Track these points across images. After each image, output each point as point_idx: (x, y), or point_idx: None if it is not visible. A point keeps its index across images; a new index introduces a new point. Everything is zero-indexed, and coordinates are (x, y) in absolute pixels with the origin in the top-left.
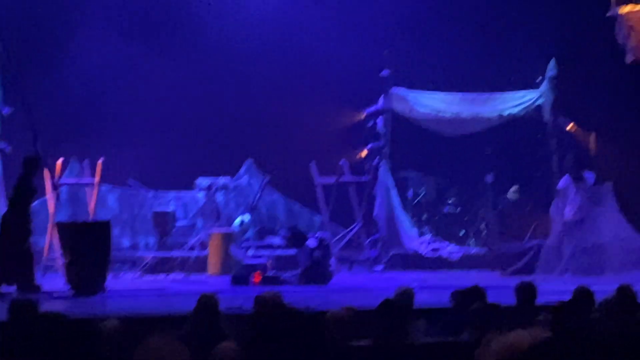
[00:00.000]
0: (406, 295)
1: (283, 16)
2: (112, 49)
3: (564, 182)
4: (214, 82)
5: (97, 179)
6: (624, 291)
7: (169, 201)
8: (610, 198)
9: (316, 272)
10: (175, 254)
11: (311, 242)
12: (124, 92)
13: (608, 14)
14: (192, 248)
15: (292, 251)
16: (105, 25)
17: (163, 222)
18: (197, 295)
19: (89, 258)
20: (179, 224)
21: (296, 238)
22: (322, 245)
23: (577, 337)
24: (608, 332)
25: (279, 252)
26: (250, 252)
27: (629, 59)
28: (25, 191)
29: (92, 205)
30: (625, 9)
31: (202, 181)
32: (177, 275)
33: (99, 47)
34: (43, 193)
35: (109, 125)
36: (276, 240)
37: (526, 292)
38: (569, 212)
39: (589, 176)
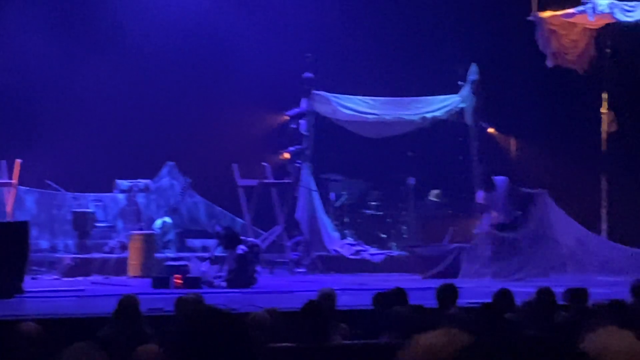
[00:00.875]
0: (329, 298)
1: (205, 19)
2: (30, 49)
3: (480, 195)
4: (135, 84)
5: (14, 180)
6: (544, 293)
7: (89, 203)
8: (542, 202)
9: (242, 276)
10: (95, 255)
11: (241, 249)
12: (43, 94)
13: (529, 19)
14: (112, 250)
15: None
16: (24, 25)
17: (83, 224)
18: (118, 297)
19: (6, 259)
20: (99, 225)
21: (229, 239)
22: (253, 251)
23: (498, 339)
24: (528, 335)
25: (199, 254)
26: (172, 254)
27: (549, 63)
28: None
29: (9, 207)
30: (546, 14)
31: (122, 183)
32: (96, 277)
33: (16, 46)
34: None
35: (28, 127)
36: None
37: (447, 294)
38: (494, 216)
39: (502, 180)
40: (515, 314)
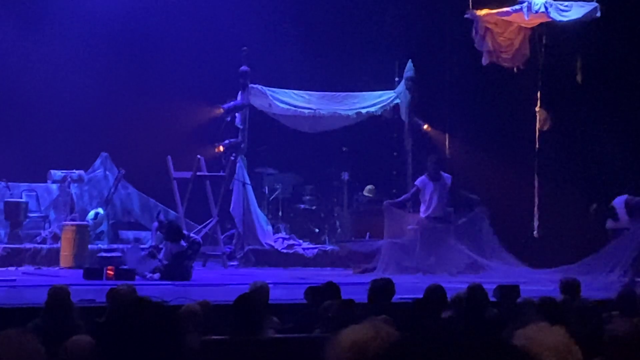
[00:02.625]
0: (261, 291)
1: (142, 10)
2: None
3: (421, 181)
4: (70, 73)
5: None
6: (474, 289)
7: (21, 192)
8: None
9: (177, 269)
10: (27, 246)
11: (182, 245)
12: None
13: (465, 16)
14: (44, 240)
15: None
16: None
17: (15, 213)
18: (49, 288)
19: None
20: (32, 215)
21: (172, 232)
22: (193, 248)
23: (426, 335)
24: (457, 330)
25: (131, 245)
26: (105, 246)
27: (484, 61)
28: None
29: None
30: (482, 12)
31: (56, 173)
32: (28, 268)
33: None
34: None
35: None
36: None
37: (382, 290)
38: (424, 211)
39: (447, 177)
40: (446, 310)
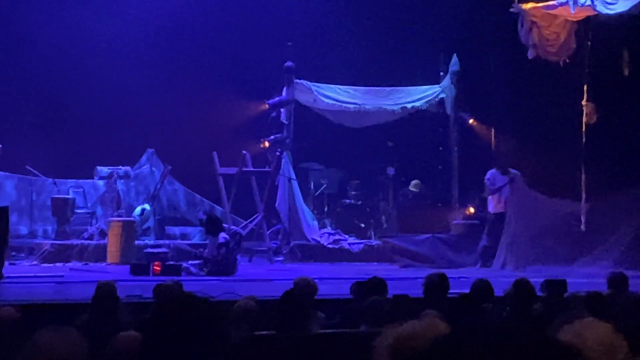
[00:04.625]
0: (307, 287)
1: (188, 7)
2: (8, 32)
3: (491, 174)
4: (115, 70)
5: None
6: (521, 284)
7: (68, 189)
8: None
9: (221, 264)
10: (74, 242)
11: (223, 237)
12: (23, 79)
13: (511, 10)
14: (91, 236)
15: (192, 241)
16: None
17: (62, 210)
18: (96, 284)
19: None
20: (78, 211)
21: (212, 225)
22: (235, 239)
23: (474, 329)
24: (503, 325)
25: (179, 242)
26: (151, 241)
27: (530, 55)
28: None
29: None
30: (528, 6)
31: (103, 170)
32: (75, 264)
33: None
34: None
35: (8, 112)
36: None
37: (437, 284)
38: (493, 206)
39: (515, 173)
40: (492, 305)
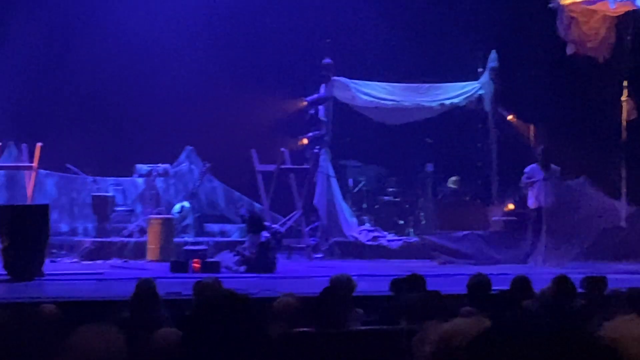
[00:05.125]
0: (346, 284)
1: (225, 4)
2: (50, 31)
3: (531, 169)
4: (156, 68)
5: (35, 163)
6: (560, 281)
7: (108, 186)
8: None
9: (262, 261)
10: (114, 239)
11: (264, 236)
12: (63, 78)
13: (549, 6)
14: (131, 234)
15: (231, 238)
16: (48, 12)
17: (102, 207)
18: (136, 281)
19: (26, 242)
20: (118, 209)
21: (253, 222)
22: (276, 238)
23: (514, 325)
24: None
25: (218, 238)
26: (190, 239)
27: (569, 50)
28: None
29: (30, 190)
30: (567, 1)
31: (142, 167)
32: (115, 261)
33: (39, 31)
34: None
35: (48, 110)
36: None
37: (477, 282)
38: (533, 202)
39: (556, 169)
40: (532, 302)
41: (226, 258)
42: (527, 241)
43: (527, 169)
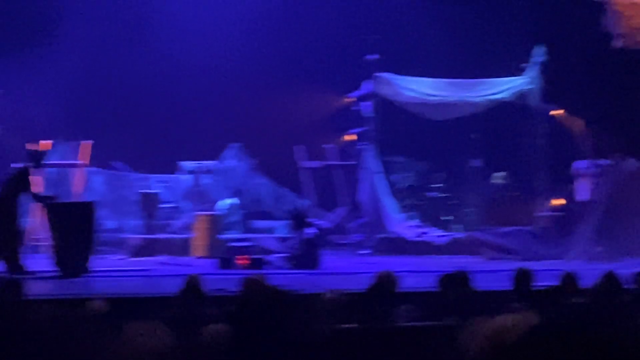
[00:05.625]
0: (391, 280)
1: (268, 1)
2: (98, 33)
3: (580, 164)
4: (200, 65)
5: (83, 160)
6: (609, 277)
7: (155, 184)
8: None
9: (306, 258)
10: (161, 236)
11: (309, 232)
12: (111, 76)
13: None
14: (177, 230)
15: (275, 235)
16: (93, 11)
17: (149, 204)
18: (183, 278)
19: (74, 239)
20: (165, 206)
21: (298, 219)
22: (321, 234)
23: (564, 322)
24: (593, 318)
25: (264, 235)
26: (236, 235)
27: (616, 44)
28: (21, 182)
29: (78, 187)
30: None
31: (188, 164)
32: (162, 258)
33: (86, 31)
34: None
35: (97, 108)
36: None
37: (522, 277)
38: (581, 194)
39: (606, 162)
40: (581, 297)
41: (271, 255)
42: (574, 236)
43: (578, 165)
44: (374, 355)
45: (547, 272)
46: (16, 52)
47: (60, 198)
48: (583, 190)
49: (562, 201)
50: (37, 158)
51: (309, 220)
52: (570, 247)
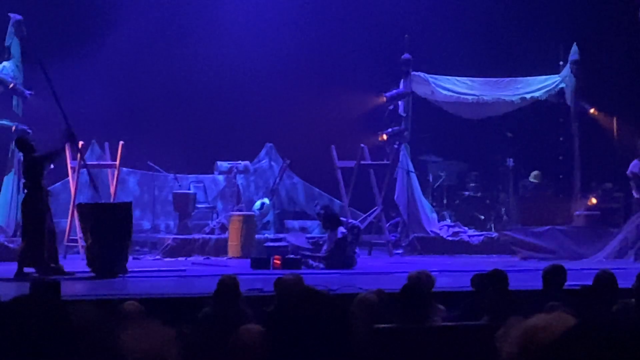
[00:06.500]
0: (427, 279)
1: (304, 2)
2: (133, 35)
3: (635, 165)
4: (234, 66)
5: (118, 161)
6: None
7: (189, 184)
8: None
9: (340, 257)
10: (196, 236)
11: (342, 231)
12: (146, 77)
13: None
14: (212, 231)
15: (310, 235)
16: (129, 14)
17: (183, 204)
18: (218, 278)
19: (110, 239)
20: (199, 206)
21: (329, 219)
22: (353, 233)
23: (601, 323)
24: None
25: (299, 234)
26: (271, 235)
27: None
28: (34, 168)
29: (113, 188)
30: None
31: (222, 164)
32: (197, 258)
33: (121, 33)
34: (65, 174)
35: (131, 109)
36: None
37: (554, 276)
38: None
39: None
40: (618, 297)
41: (306, 255)
42: (611, 236)
43: (632, 167)
44: (410, 355)
45: (582, 272)
46: (52, 54)
47: (95, 199)
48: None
49: (595, 200)
50: (25, 144)
51: (340, 219)
52: (606, 246)
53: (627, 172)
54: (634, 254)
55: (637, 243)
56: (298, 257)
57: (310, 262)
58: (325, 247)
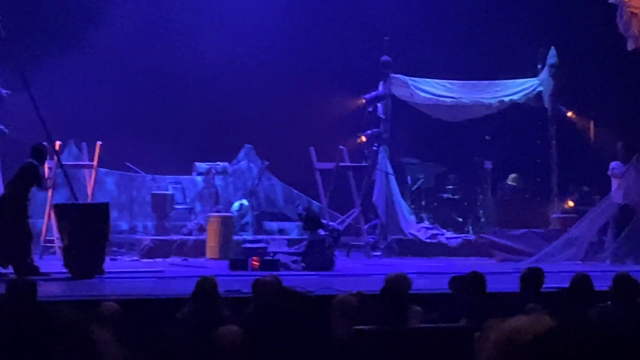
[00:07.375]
0: (404, 282)
1: (282, 3)
2: (112, 33)
3: (617, 165)
4: (213, 67)
5: (95, 161)
6: (621, 279)
7: (167, 185)
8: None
9: (320, 259)
10: (174, 237)
11: (322, 233)
12: (124, 78)
13: (609, 1)
14: (190, 232)
15: (289, 236)
16: (108, 15)
17: (161, 205)
18: (196, 279)
19: (87, 240)
20: (178, 207)
21: (310, 221)
22: (333, 235)
23: (579, 325)
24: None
25: (276, 236)
26: (249, 237)
27: (630, 46)
28: (31, 177)
29: (90, 188)
30: None
31: (201, 166)
32: (175, 259)
33: (100, 31)
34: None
35: (108, 109)
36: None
37: (532, 278)
38: (617, 196)
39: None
40: (594, 300)
41: (284, 256)
42: (587, 239)
43: (611, 165)
44: (389, 357)
45: (559, 274)
46: (30, 53)
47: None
48: (621, 190)
49: (572, 203)
50: (42, 154)
51: (321, 221)
52: (583, 249)
53: (608, 173)
54: (610, 255)
55: (612, 245)
56: (276, 258)
57: (289, 263)
58: (304, 249)
